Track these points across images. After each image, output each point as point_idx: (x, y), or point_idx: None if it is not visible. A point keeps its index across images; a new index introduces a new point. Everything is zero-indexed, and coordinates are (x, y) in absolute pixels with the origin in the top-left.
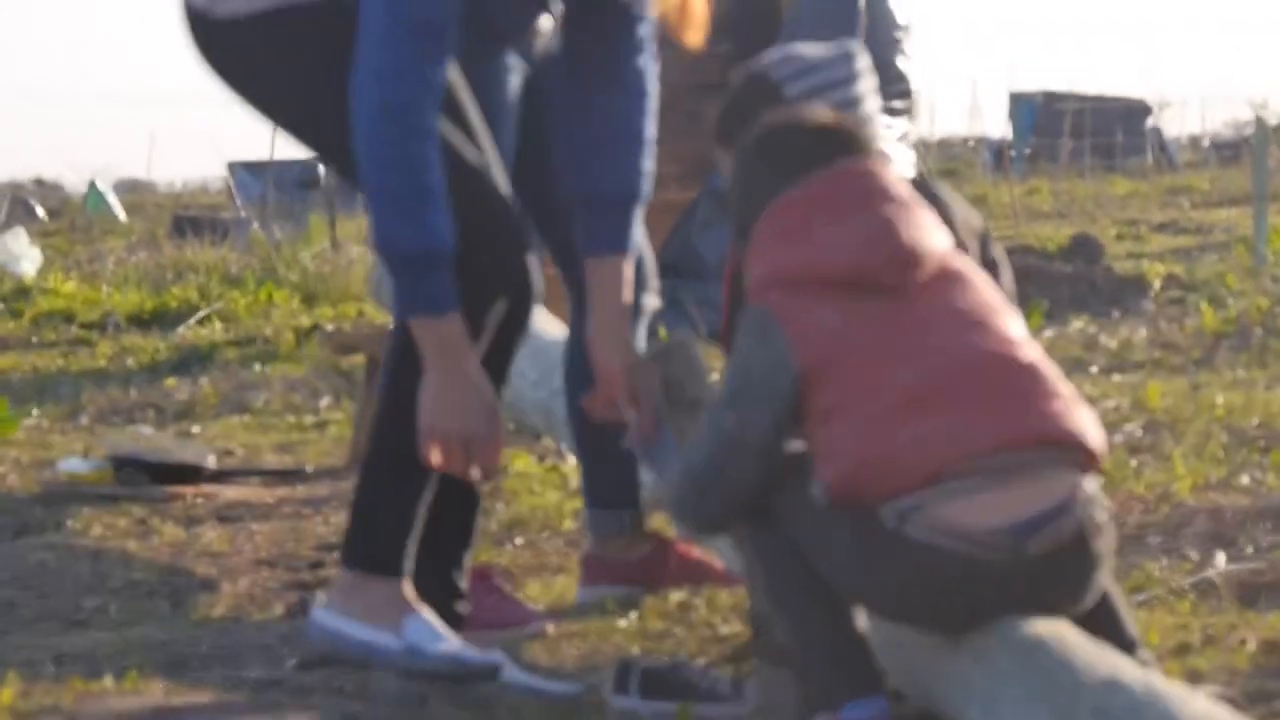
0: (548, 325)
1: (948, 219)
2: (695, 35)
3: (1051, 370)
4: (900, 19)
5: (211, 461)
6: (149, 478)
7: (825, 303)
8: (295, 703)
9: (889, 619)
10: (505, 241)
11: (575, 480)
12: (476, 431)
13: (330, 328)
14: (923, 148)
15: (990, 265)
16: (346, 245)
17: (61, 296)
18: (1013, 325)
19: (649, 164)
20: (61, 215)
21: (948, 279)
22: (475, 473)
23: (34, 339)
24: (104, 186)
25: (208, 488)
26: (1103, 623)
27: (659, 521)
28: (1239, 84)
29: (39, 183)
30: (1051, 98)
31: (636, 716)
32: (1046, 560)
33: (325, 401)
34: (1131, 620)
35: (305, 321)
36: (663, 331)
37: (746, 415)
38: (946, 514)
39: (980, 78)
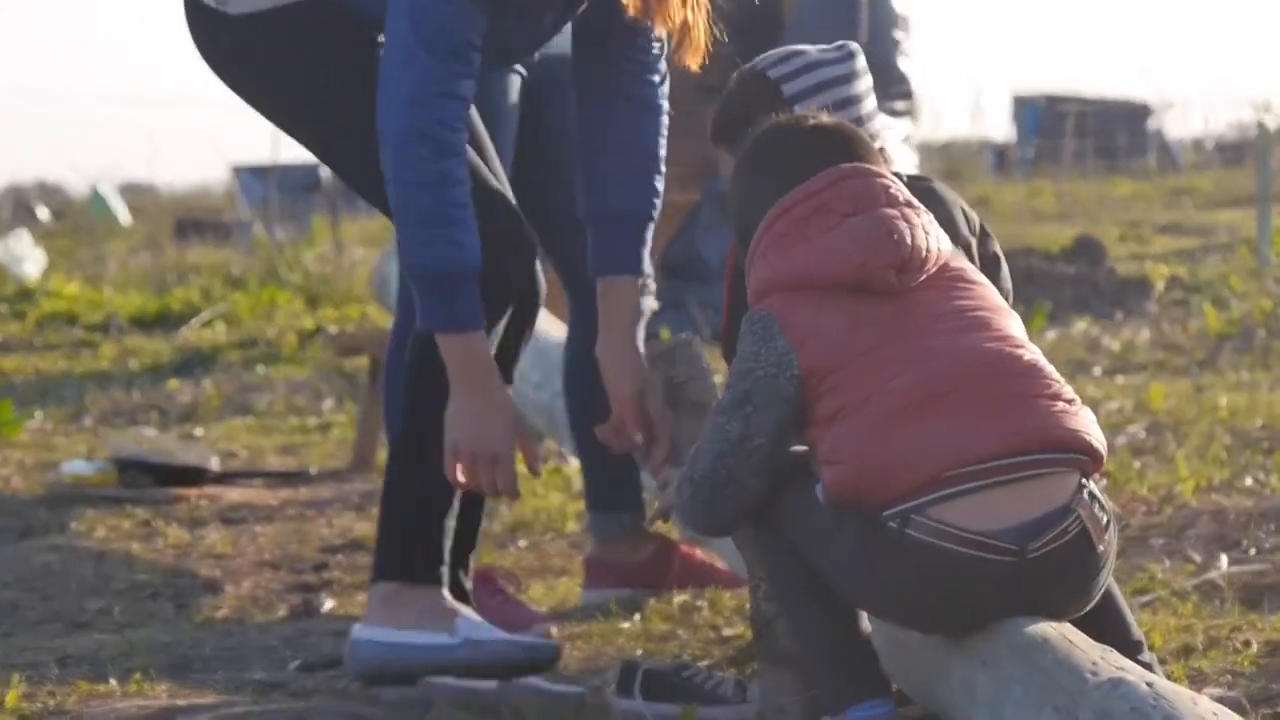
0: (550, 328)
1: (947, 216)
2: (694, 58)
3: (1053, 372)
4: (902, 20)
5: (215, 463)
6: (152, 480)
7: (826, 306)
8: (298, 704)
9: (892, 621)
10: (513, 248)
11: (578, 482)
12: (502, 450)
13: (333, 330)
14: (926, 150)
15: (989, 260)
16: (349, 247)
17: (64, 299)
18: (1014, 326)
19: (660, 183)
20: (64, 217)
21: (948, 280)
22: (501, 491)
23: (37, 341)
24: (107, 189)
25: (211, 490)
26: (1106, 625)
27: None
28: (1241, 84)
29: (42, 185)
30: (1054, 100)
31: (640, 718)
32: (1049, 563)
33: (328, 403)
34: (1135, 622)
35: (308, 323)
36: (665, 333)
37: (750, 420)
38: (949, 517)
39: (983, 80)
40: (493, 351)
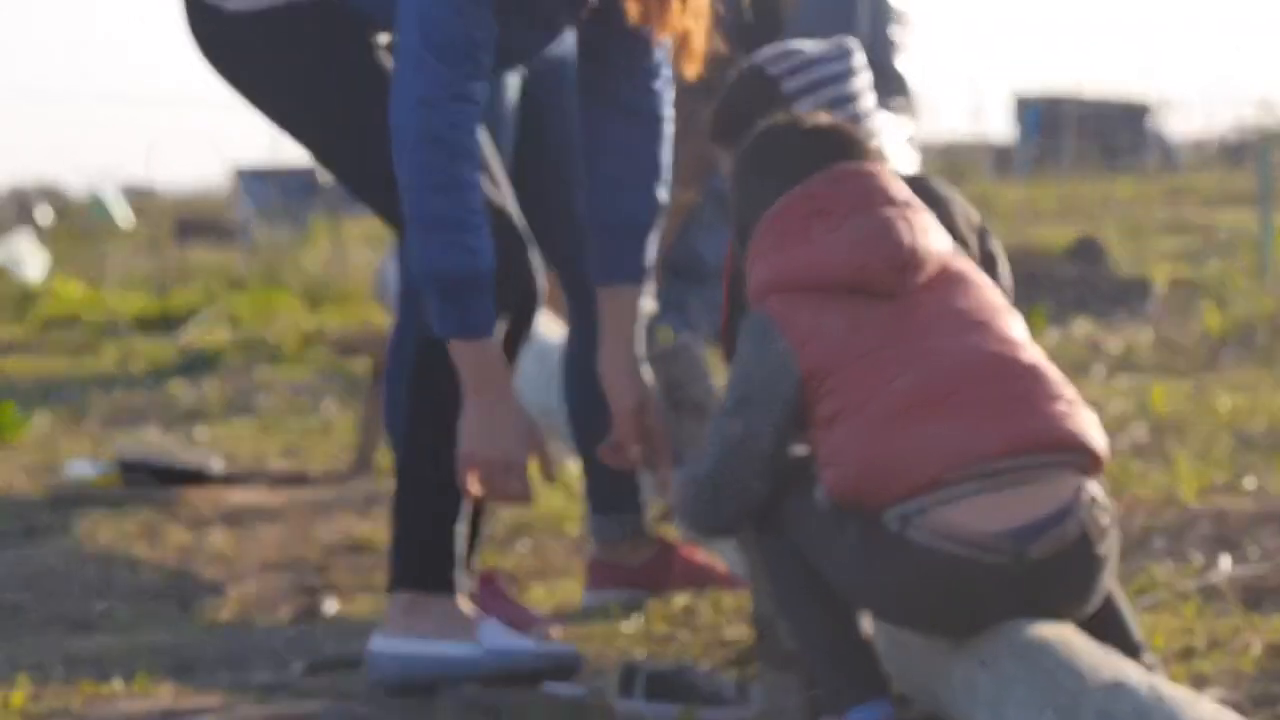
0: (550, 328)
1: (946, 213)
2: (692, 67)
3: (1054, 372)
4: (899, 15)
5: (217, 465)
6: (155, 481)
7: (826, 307)
8: (302, 706)
9: (893, 623)
10: (510, 249)
11: (578, 484)
12: (516, 458)
13: (335, 331)
14: (926, 150)
15: (988, 258)
16: (351, 248)
17: (66, 300)
18: (1014, 327)
19: (663, 191)
20: (65, 219)
21: (948, 280)
22: (514, 498)
23: (39, 343)
24: (109, 191)
25: (214, 491)
26: (1107, 626)
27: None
28: (1241, 84)
29: (43, 186)
30: (1055, 100)
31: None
32: (1050, 564)
33: (330, 405)
34: (1136, 624)
35: (310, 325)
36: (664, 333)
37: (751, 422)
38: (950, 518)
39: (983, 80)
40: None
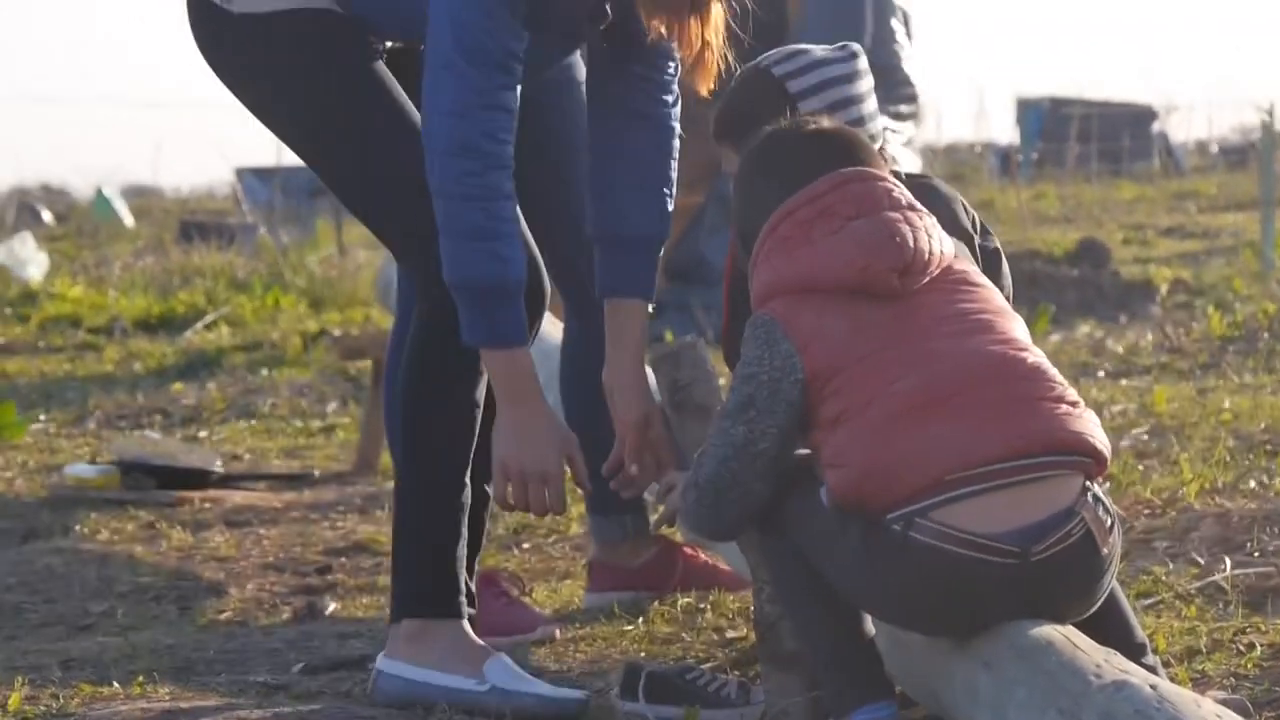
0: (554, 330)
1: (948, 210)
2: (706, 82)
3: (1056, 375)
4: (901, 13)
5: (218, 466)
6: (156, 482)
7: (829, 310)
8: (301, 707)
9: (895, 624)
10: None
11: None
12: (553, 468)
13: (337, 333)
14: (929, 153)
15: (990, 255)
16: (353, 250)
17: (68, 301)
18: (1017, 329)
19: (670, 203)
20: (68, 220)
21: (951, 283)
22: (551, 510)
23: (41, 344)
24: (111, 192)
25: (214, 492)
26: (1110, 627)
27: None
28: (1245, 87)
29: (45, 188)
30: (1058, 103)
31: None
32: (1053, 565)
33: (332, 406)
34: (1139, 625)
35: (312, 326)
36: (669, 335)
37: (755, 425)
38: (952, 519)
39: (986, 83)
40: None
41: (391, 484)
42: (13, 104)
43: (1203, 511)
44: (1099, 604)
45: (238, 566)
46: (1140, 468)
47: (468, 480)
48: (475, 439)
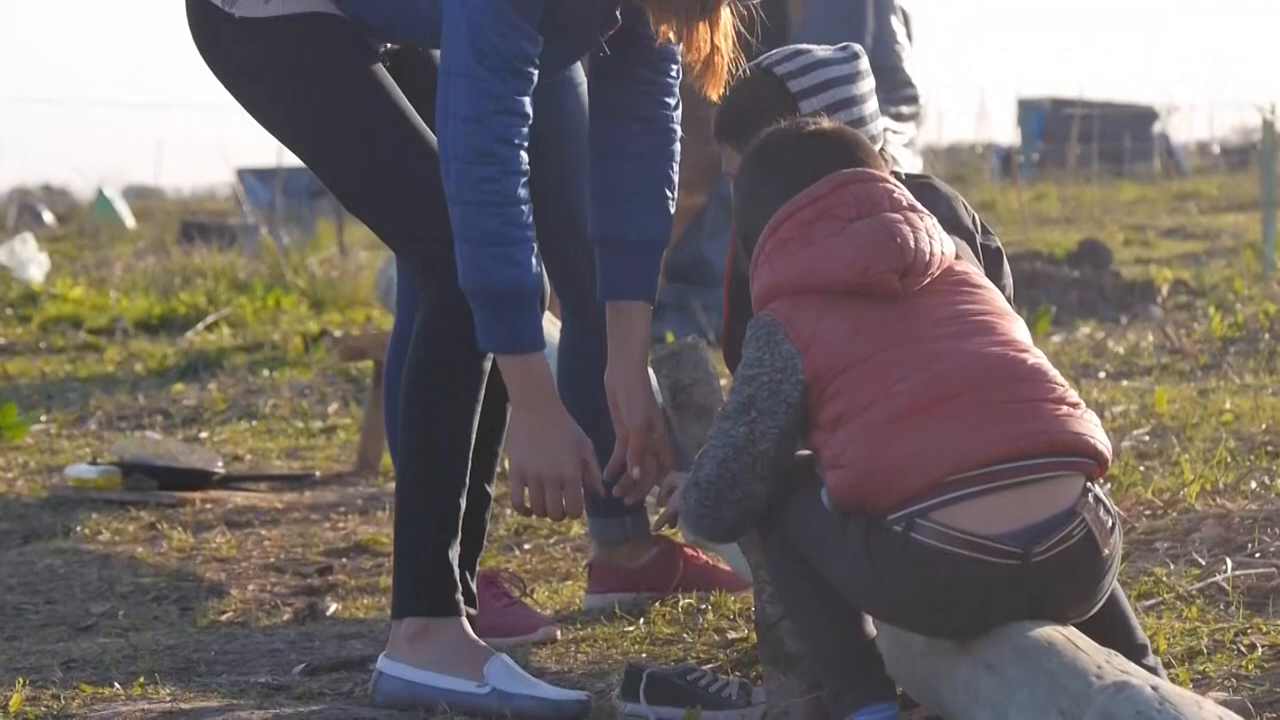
0: (552, 330)
1: (948, 209)
2: (715, 87)
3: (1057, 376)
4: (901, 12)
5: (219, 467)
6: (157, 483)
7: (830, 311)
8: (302, 708)
9: (896, 624)
10: None
11: None
12: (569, 473)
13: (338, 333)
14: (931, 154)
15: (990, 254)
16: (354, 251)
17: (69, 302)
18: (1018, 330)
19: (672, 206)
20: (69, 221)
21: (952, 285)
22: (568, 514)
23: (42, 344)
24: (112, 193)
25: (215, 493)
26: (1111, 628)
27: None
28: (1246, 89)
29: (47, 189)
30: (1059, 104)
31: None
32: (1054, 566)
33: (333, 407)
34: (1140, 626)
35: (313, 327)
36: (670, 336)
37: (756, 425)
38: (953, 520)
39: (987, 83)
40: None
41: (392, 485)
42: (15, 105)
43: (1204, 512)
44: (1100, 605)
45: (239, 567)
46: (1141, 469)
47: (468, 480)
48: (475, 439)
